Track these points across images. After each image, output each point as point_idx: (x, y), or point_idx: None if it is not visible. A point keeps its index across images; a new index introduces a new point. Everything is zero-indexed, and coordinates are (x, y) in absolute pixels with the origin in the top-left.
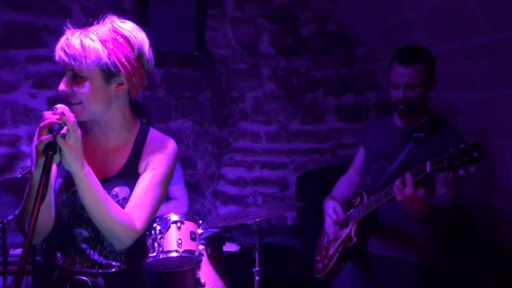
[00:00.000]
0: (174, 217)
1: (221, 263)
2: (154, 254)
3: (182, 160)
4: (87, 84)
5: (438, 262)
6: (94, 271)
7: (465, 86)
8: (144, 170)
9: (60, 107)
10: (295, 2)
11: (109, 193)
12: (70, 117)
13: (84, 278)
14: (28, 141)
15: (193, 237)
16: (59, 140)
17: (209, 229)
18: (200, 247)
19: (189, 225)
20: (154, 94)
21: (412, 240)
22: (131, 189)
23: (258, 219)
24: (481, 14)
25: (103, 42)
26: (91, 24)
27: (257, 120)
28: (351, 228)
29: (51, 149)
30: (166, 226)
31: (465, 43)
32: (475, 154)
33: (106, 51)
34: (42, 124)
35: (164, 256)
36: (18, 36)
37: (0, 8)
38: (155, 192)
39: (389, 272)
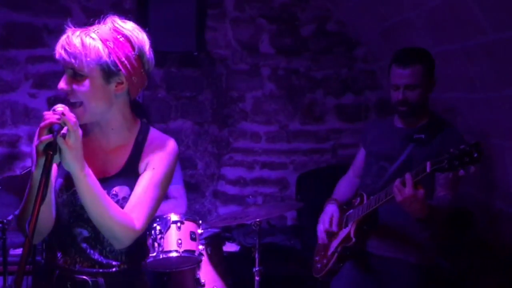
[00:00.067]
0: (174, 217)
1: (221, 263)
2: (154, 254)
3: (182, 160)
4: (87, 82)
5: (437, 262)
6: (94, 270)
7: (465, 86)
8: (144, 170)
9: (60, 107)
10: (295, 2)
11: (109, 192)
12: (71, 117)
13: (84, 277)
14: (28, 141)
15: (193, 237)
16: (59, 140)
17: (209, 229)
18: (200, 247)
19: (189, 225)
20: (154, 94)
21: (412, 240)
22: (131, 188)
23: (258, 219)
24: (481, 14)
25: (103, 41)
26: (92, 24)
27: (257, 120)
28: (350, 228)
29: (51, 149)
30: (166, 226)
31: (465, 43)
32: (475, 155)
33: (106, 50)
34: (42, 124)
35: (164, 256)
36: (18, 36)
37: (0, 8)
38: (155, 192)
39: (388, 273)
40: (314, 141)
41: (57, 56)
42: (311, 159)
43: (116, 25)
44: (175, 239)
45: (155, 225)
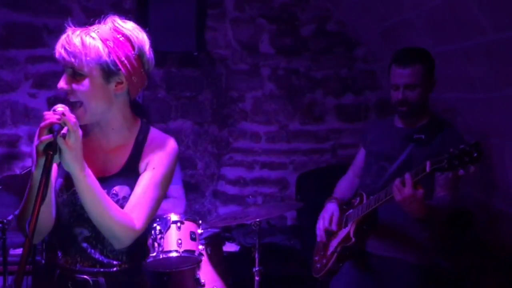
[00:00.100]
0: (174, 217)
1: (221, 263)
2: (154, 254)
3: (182, 160)
4: (86, 82)
5: (437, 262)
6: (95, 270)
7: (464, 86)
8: (145, 170)
9: (60, 107)
10: (295, 2)
11: (109, 192)
12: (71, 117)
13: (85, 277)
14: (28, 141)
15: (193, 237)
16: (59, 141)
17: (209, 229)
18: (200, 247)
19: (189, 225)
20: (154, 94)
21: (411, 240)
22: (131, 188)
23: (258, 219)
24: (481, 14)
25: (103, 40)
26: (92, 24)
27: (257, 120)
28: (350, 228)
29: (51, 149)
30: (166, 226)
31: (464, 43)
32: (475, 154)
33: (106, 49)
34: (42, 124)
35: (164, 256)
36: (18, 36)
37: (0, 8)
38: (155, 192)
39: (388, 273)
40: (314, 141)
41: (57, 55)
42: (311, 159)
43: (116, 24)
44: (175, 239)
45: (155, 225)
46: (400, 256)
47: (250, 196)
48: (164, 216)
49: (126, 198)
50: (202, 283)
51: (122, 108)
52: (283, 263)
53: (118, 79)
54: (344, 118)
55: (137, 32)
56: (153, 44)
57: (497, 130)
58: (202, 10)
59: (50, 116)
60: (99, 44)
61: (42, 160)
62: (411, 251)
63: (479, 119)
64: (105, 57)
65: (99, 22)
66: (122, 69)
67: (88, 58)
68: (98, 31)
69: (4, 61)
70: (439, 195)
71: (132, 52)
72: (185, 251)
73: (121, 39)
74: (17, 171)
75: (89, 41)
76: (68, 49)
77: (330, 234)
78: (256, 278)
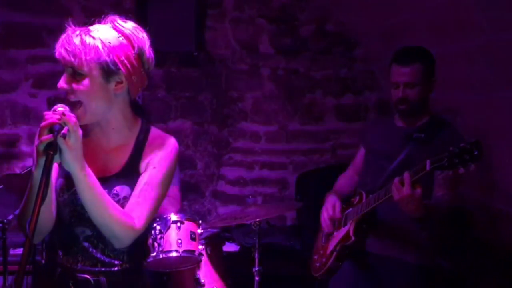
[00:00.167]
0: (174, 217)
1: (220, 263)
2: (154, 254)
3: (182, 160)
4: (86, 81)
5: (437, 262)
6: (96, 269)
7: (464, 87)
8: (145, 169)
9: (60, 107)
10: (295, 2)
11: (109, 192)
12: (71, 117)
13: (86, 276)
14: (28, 141)
15: (193, 237)
16: (60, 140)
17: (209, 229)
18: (200, 247)
19: (189, 225)
20: (154, 94)
21: (411, 240)
22: (132, 188)
23: (257, 219)
24: (481, 15)
25: (103, 40)
26: (92, 23)
27: (257, 120)
28: (349, 227)
29: (51, 149)
30: (166, 226)
31: (464, 44)
32: (476, 153)
33: (106, 48)
34: (42, 124)
35: (164, 256)
36: (18, 36)
37: (0, 8)
38: (156, 192)
39: (387, 272)
40: (314, 141)
41: (57, 54)
42: (310, 159)
43: (116, 24)
44: (175, 239)
45: (155, 225)
46: (399, 255)
47: (250, 196)
48: (164, 216)
49: (127, 198)
50: (202, 283)
51: (123, 107)
52: (282, 263)
53: (118, 79)
54: (343, 118)
55: (137, 31)
56: (153, 44)
57: (497, 130)
58: (202, 10)
59: (50, 116)
60: (98, 43)
61: (42, 160)
62: (410, 251)
63: (479, 119)
64: (104, 56)
65: (99, 22)
66: (122, 68)
67: (88, 58)
68: (98, 31)
69: (4, 61)
70: (438, 194)
71: (132, 52)
72: (185, 251)
73: (120, 38)
74: (17, 171)
75: (89, 40)
76: (68, 48)
77: (335, 222)
78: (256, 278)
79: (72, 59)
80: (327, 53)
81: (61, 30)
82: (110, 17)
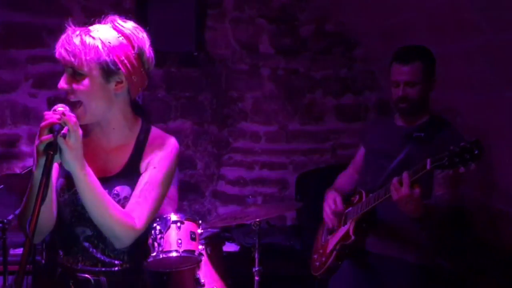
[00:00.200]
0: (174, 217)
1: (220, 263)
2: (154, 254)
3: (182, 160)
4: (86, 81)
5: (437, 262)
6: (97, 269)
7: (464, 87)
8: (146, 169)
9: (60, 107)
10: (295, 2)
11: (110, 192)
12: (71, 117)
13: (87, 276)
14: (28, 141)
15: (193, 237)
16: (60, 140)
17: (209, 229)
18: (200, 247)
19: (189, 225)
20: (154, 94)
21: (410, 239)
22: (132, 188)
23: (257, 219)
24: (481, 15)
25: (103, 40)
26: (92, 23)
27: (257, 120)
28: (349, 226)
29: (51, 149)
30: (166, 226)
31: (464, 44)
32: (476, 152)
33: (106, 48)
34: (42, 124)
35: (164, 256)
36: (18, 36)
37: (0, 8)
38: (156, 191)
39: (386, 271)
40: (314, 141)
41: (57, 55)
42: (310, 159)
43: (116, 24)
44: (175, 239)
45: (155, 225)
46: (399, 255)
47: (250, 196)
48: (164, 216)
49: (127, 198)
50: (202, 283)
51: (123, 107)
52: (282, 263)
53: (118, 79)
54: (343, 118)
55: (137, 31)
56: (153, 44)
57: (497, 130)
58: (202, 10)
59: (50, 116)
60: (98, 43)
61: (42, 160)
62: (410, 250)
63: (479, 119)
64: (104, 56)
65: (99, 22)
66: (121, 68)
67: (87, 58)
68: (98, 31)
69: (4, 61)
70: (438, 193)
71: (132, 52)
72: (185, 251)
73: (120, 38)
74: (17, 171)
75: (88, 40)
76: (68, 48)
77: (339, 216)
78: (256, 278)
79: (72, 59)
80: (327, 53)
81: (61, 30)
82: (110, 17)
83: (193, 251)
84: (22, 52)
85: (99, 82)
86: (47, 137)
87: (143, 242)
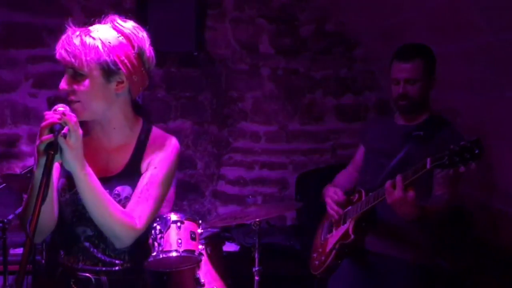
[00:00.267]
0: (174, 217)
1: (220, 263)
2: (154, 253)
3: (182, 160)
4: (87, 82)
5: (436, 262)
6: (97, 268)
7: (464, 87)
8: (146, 169)
9: (61, 107)
10: (295, 2)
11: (111, 192)
12: (71, 117)
13: (87, 275)
14: (28, 140)
15: (193, 236)
16: (60, 140)
17: (209, 229)
18: (200, 246)
19: (189, 225)
20: (154, 94)
21: (410, 239)
22: (133, 188)
23: (257, 219)
24: (480, 15)
25: (103, 40)
26: (92, 23)
27: (257, 120)
28: (348, 225)
29: (52, 149)
30: (166, 226)
31: (464, 44)
32: (476, 151)
33: (106, 49)
34: (43, 124)
35: (164, 255)
36: (18, 36)
37: (0, 8)
38: (157, 191)
39: (386, 271)
40: (314, 141)
41: (57, 56)
42: (310, 159)
43: (116, 24)
44: (175, 239)
45: (155, 224)
46: (399, 254)
47: (250, 196)
48: (164, 216)
49: (128, 198)
50: (202, 283)
51: (124, 107)
52: (282, 263)
53: (119, 79)
54: (343, 118)
55: (136, 31)
56: (153, 44)
57: (497, 130)
58: (202, 10)
59: (50, 116)
60: (98, 44)
61: (43, 160)
62: (410, 250)
63: (479, 119)
64: (105, 56)
65: (99, 22)
66: (122, 68)
67: (88, 58)
68: (98, 31)
69: (4, 61)
70: (438, 193)
71: (132, 51)
72: (185, 250)
73: (120, 38)
74: (17, 171)
75: (88, 41)
76: (68, 49)
77: (342, 205)
78: (256, 278)
79: (73, 60)
80: (327, 53)
81: (61, 30)
82: (110, 17)
83: (193, 251)
84: (22, 52)
85: (100, 82)
86: (47, 137)
87: (143, 241)
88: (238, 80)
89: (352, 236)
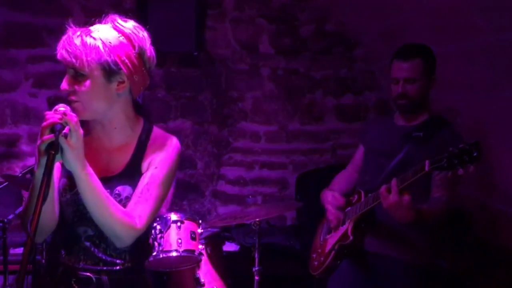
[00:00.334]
0: (174, 216)
1: (220, 262)
2: (154, 253)
3: (182, 160)
4: (88, 82)
5: (436, 262)
6: (98, 268)
7: (464, 87)
8: (147, 169)
9: (62, 107)
10: (295, 2)
11: (112, 192)
12: (72, 117)
13: (88, 274)
14: (28, 140)
15: (193, 236)
16: (61, 140)
17: (209, 229)
18: (200, 246)
19: (189, 225)
20: (154, 94)
21: (408, 240)
22: (134, 188)
23: (257, 219)
24: (480, 15)
25: (104, 40)
26: (93, 23)
27: (257, 120)
28: (347, 226)
29: (53, 149)
30: (166, 226)
31: (464, 44)
32: (475, 154)
33: (107, 49)
34: (44, 124)
35: (164, 255)
36: (18, 36)
37: (0, 8)
38: (157, 191)
39: (386, 272)
40: (314, 141)
41: (58, 56)
42: (310, 159)
43: (117, 24)
44: (175, 239)
45: (155, 224)
46: (398, 255)
47: (250, 196)
48: (164, 216)
49: (129, 198)
50: (202, 283)
51: (124, 107)
52: (282, 263)
53: (120, 79)
54: (343, 118)
55: (137, 30)
56: (153, 44)
57: (497, 130)
58: (202, 10)
59: (51, 116)
60: (99, 44)
61: (44, 160)
62: (409, 250)
63: (479, 119)
64: (105, 56)
65: (100, 22)
66: (123, 68)
67: (89, 58)
68: (98, 31)
69: (4, 61)
70: (435, 195)
71: (133, 51)
72: (185, 250)
73: (121, 38)
74: (17, 171)
75: (89, 41)
76: (69, 49)
77: (342, 208)
78: (256, 277)
79: (73, 60)
80: (327, 53)
81: (62, 30)
82: (111, 17)
83: (193, 251)
84: (23, 52)
85: (101, 82)
86: (48, 137)
87: (144, 241)
88: (238, 80)
89: (351, 237)
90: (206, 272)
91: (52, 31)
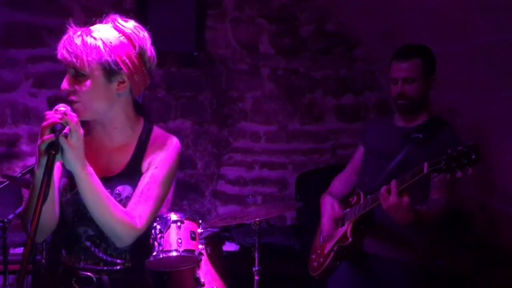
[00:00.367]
0: (174, 216)
1: (220, 262)
2: (154, 253)
3: (182, 160)
4: (88, 82)
5: (435, 262)
6: (99, 268)
7: (464, 87)
8: (147, 169)
9: (62, 107)
10: (295, 2)
11: (112, 192)
12: (73, 117)
13: (89, 274)
14: (28, 140)
15: (193, 236)
16: (61, 140)
17: (209, 229)
18: (200, 246)
19: (189, 225)
20: (154, 94)
21: (407, 241)
22: (134, 188)
23: (257, 219)
24: (480, 15)
25: (104, 40)
26: (93, 23)
27: (257, 120)
28: (347, 228)
29: (53, 149)
30: (166, 226)
31: (464, 44)
32: (473, 156)
33: (107, 49)
34: (44, 124)
35: (164, 255)
36: (18, 36)
37: (0, 7)
38: (157, 191)
39: (385, 273)
40: (314, 141)
41: (59, 56)
42: (310, 159)
43: (117, 24)
44: (175, 239)
45: (155, 224)
46: (397, 256)
47: (250, 196)
48: (164, 216)
49: (129, 198)
50: (202, 283)
51: (125, 107)
52: (282, 263)
53: (120, 79)
54: (343, 118)
55: (137, 30)
56: (153, 44)
57: (497, 130)
58: (202, 10)
59: (51, 116)
60: (100, 44)
61: (44, 160)
62: (408, 251)
63: (479, 119)
64: (106, 56)
65: (100, 22)
66: (123, 68)
67: (89, 58)
68: (99, 31)
69: (4, 61)
70: (434, 197)
71: (133, 51)
72: (185, 250)
73: (121, 38)
74: (18, 171)
75: (90, 41)
76: (70, 49)
77: (338, 223)
78: (256, 277)
79: (74, 60)
80: (327, 53)
81: (62, 30)
82: (111, 17)
83: (193, 251)
84: (23, 52)
85: (101, 82)
86: (48, 137)
87: (144, 241)
88: (238, 80)
89: (350, 239)
90: (206, 272)
91: (52, 31)
